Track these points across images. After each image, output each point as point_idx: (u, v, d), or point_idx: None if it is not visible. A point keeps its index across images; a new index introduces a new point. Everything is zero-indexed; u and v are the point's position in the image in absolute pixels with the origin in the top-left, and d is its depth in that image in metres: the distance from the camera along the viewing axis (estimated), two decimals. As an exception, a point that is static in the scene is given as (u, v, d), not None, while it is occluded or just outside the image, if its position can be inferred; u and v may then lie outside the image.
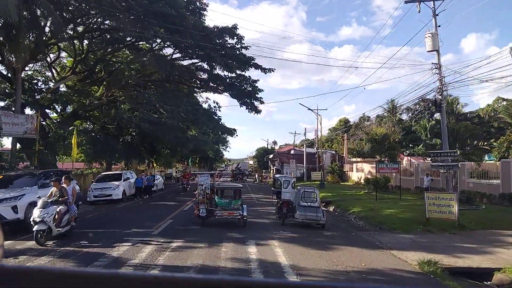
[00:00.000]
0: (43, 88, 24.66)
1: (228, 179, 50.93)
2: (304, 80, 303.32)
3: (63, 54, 29.80)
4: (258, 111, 30.60)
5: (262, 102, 30.17)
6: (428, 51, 16.62)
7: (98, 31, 22.71)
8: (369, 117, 66.25)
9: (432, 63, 16.61)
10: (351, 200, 23.68)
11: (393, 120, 60.35)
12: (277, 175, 16.09)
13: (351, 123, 66.63)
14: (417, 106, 63.01)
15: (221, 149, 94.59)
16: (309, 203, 12.83)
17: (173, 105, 23.32)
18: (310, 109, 36.03)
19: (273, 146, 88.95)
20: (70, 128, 31.80)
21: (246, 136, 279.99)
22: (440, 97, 16.64)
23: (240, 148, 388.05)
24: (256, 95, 29.68)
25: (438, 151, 17.15)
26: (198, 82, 33.44)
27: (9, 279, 0.73)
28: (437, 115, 62.40)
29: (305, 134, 44.37)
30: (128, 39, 23.65)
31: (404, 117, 64.43)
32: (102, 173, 24.49)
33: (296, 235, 11.62)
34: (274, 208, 15.99)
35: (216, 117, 33.53)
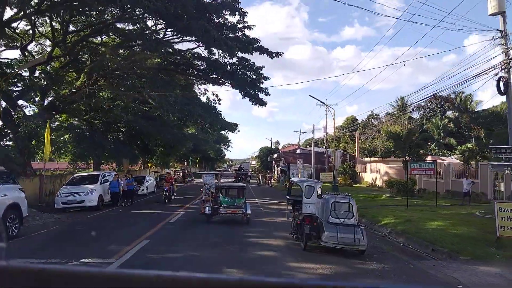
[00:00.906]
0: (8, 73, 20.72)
1: (229, 180, 46.97)
2: (306, 80, 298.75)
3: (48, 42, 26.15)
4: (263, 104, 26.72)
5: (267, 94, 26.28)
6: (491, 15, 12.63)
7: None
8: (378, 115, 62.50)
9: (497, 30, 12.60)
10: (376, 207, 19.70)
11: (403, 118, 56.98)
12: (294, 179, 11.84)
13: (359, 122, 62.87)
14: (429, 104, 59.22)
15: (223, 149, 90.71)
16: (343, 219, 8.85)
17: (163, 93, 19.25)
18: (322, 102, 32.00)
19: (277, 145, 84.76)
20: (56, 123, 28.37)
21: (248, 136, 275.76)
22: (506, 75, 12.59)
23: (242, 148, 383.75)
24: (261, 85, 25.79)
25: (502, 147, 13.10)
26: (196, 73, 29.66)
27: (10, 279, 0.71)
28: (449, 113, 58.66)
29: (313, 131, 40.39)
30: (108, 18, 19.88)
31: (415, 115, 60.67)
32: (76, 175, 20.51)
33: (328, 271, 7.65)
34: (287, 221, 12.05)
35: (215, 112, 29.63)
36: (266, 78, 24.59)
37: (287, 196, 10.81)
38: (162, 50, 25.00)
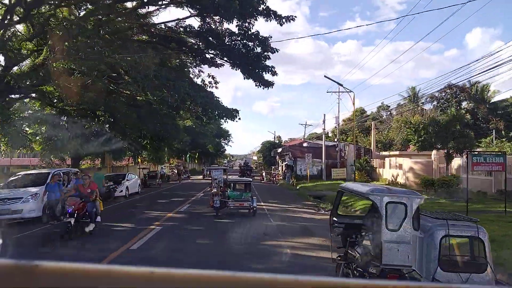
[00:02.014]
0: None
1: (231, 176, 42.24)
2: (307, 76, 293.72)
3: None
4: (269, 85, 21.93)
5: (274, 73, 21.45)
6: None
7: None
8: (389, 106, 58.60)
9: None
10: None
11: (425, 108, 52.57)
12: (353, 185, 6.06)
13: (368, 114, 58.57)
14: (443, 94, 54.84)
15: (223, 143, 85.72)
16: (467, 275, 3.98)
17: (139, 64, 14.28)
18: (340, 84, 27.02)
19: (279, 141, 79.86)
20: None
21: (249, 131, 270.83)
22: None
23: (242, 143, 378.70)
24: (266, 62, 20.93)
25: None
26: (189, 50, 24.80)
27: (5, 275, 0.69)
28: (464, 104, 54.05)
29: (324, 121, 35.46)
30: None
31: (427, 106, 56.36)
32: (21, 173, 15.45)
33: None
34: (314, 245, 7.13)
35: (211, 96, 24.72)
36: (274, 50, 19.63)
37: (334, 219, 5.47)
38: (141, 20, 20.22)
